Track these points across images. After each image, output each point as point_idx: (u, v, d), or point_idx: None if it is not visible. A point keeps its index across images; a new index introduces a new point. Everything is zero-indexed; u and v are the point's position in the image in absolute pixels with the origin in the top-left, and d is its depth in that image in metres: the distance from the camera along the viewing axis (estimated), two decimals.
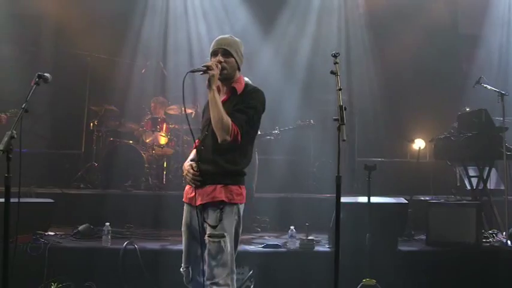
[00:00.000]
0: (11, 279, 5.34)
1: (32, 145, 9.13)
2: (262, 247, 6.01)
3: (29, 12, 9.59)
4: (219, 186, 3.53)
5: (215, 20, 9.19)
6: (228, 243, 3.51)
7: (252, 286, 5.52)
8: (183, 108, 8.16)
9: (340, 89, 3.76)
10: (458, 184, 7.62)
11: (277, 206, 7.52)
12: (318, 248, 6.00)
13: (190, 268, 3.68)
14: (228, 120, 3.46)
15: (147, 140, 8.07)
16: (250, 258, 5.77)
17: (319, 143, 8.78)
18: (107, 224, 5.86)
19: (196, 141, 3.76)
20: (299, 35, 9.17)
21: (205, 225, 3.53)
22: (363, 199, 5.97)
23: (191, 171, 3.57)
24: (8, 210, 3.41)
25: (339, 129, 3.64)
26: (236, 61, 3.69)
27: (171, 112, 8.43)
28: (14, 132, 3.38)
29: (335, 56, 3.86)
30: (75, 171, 8.27)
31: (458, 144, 6.82)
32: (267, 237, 6.73)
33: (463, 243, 6.03)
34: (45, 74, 3.85)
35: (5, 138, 3.32)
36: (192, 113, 8.59)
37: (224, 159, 3.57)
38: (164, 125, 8.15)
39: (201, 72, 3.51)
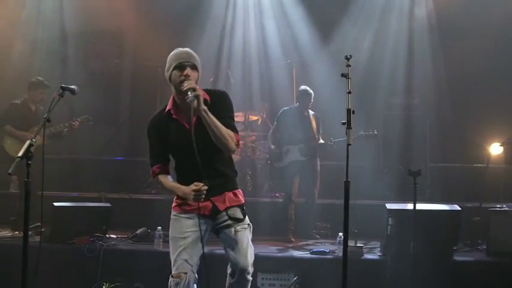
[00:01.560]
0: (67, 277, 5.80)
1: (113, 153, 9.70)
2: (309, 253, 5.97)
3: (112, 28, 10.17)
4: (235, 191, 3.78)
5: (276, 28, 9.27)
6: (251, 233, 3.77)
7: None
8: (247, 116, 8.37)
9: (349, 92, 3.69)
10: None
11: (338, 213, 7.39)
12: (366, 256, 5.88)
13: (189, 273, 3.66)
14: (230, 131, 3.54)
15: None
16: (295, 264, 5.77)
17: (387, 149, 8.56)
18: (159, 228, 6.09)
19: (156, 167, 3.75)
20: (360, 36, 8.99)
21: (230, 221, 3.68)
22: (418, 206, 5.77)
23: (201, 190, 3.49)
24: (28, 214, 3.63)
25: (346, 133, 3.60)
26: (199, 75, 3.62)
27: (236, 119, 8.55)
28: (34, 140, 3.62)
29: (347, 58, 3.80)
30: (147, 177, 8.60)
31: None
32: (321, 244, 6.67)
33: None
34: (71, 86, 4.07)
35: (25, 146, 3.56)
36: (258, 119, 8.70)
37: (228, 167, 3.79)
38: None
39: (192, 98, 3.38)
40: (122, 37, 10.35)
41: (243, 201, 3.79)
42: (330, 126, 7.35)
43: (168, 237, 6.21)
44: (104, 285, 5.62)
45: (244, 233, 3.71)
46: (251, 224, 3.79)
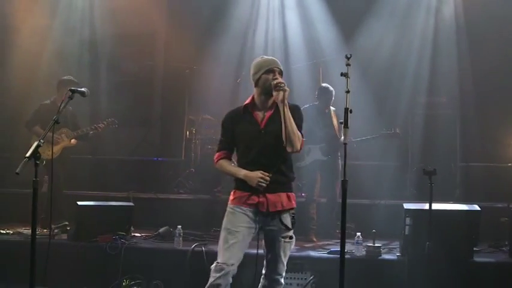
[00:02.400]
0: (90, 274, 5.96)
1: (144, 153, 9.91)
2: (326, 253, 5.97)
3: (144, 31, 10.39)
4: (289, 194, 4.05)
5: (299, 27, 9.30)
6: (293, 243, 4.08)
7: None
8: None
9: (348, 92, 3.70)
10: None
11: (362, 213, 7.36)
12: (384, 256, 5.84)
13: (233, 266, 3.86)
14: (298, 132, 3.94)
15: None
16: (312, 263, 5.76)
17: (416, 148, 8.43)
18: (179, 226, 6.22)
19: (222, 153, 4.09)
20: (385, 34, 8.89)
21: (281, 227, 3.95)
22: (434, 206, 5.71)
23: (266, 178, 3.86)
24: (35, 211, 3.77)
25: (343, 133, 3.62)
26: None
27: None
28: (42, 141, 3.73)
29: (348, 58, 3.84)
30: (176, 177, 8.78)
31: None
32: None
33: None
34: (81, 89, 4.22)
35: (32, 147, 3.69)
36: None
37: (287, 168, 4.05)
38: None
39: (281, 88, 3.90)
40: (153, 39, 10.53)
41: (295, 206, 4.05)
42: (350, 126, 7.30)
43: (189, 236, 6.45)
44: (124, 281, 5.76)
45: (289, 245, 4.03)
46: (294, 236, 4.04)
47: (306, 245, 6.57)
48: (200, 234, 6.73)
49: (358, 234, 5.91)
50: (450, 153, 8.33)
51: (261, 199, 3.91)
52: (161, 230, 6.67)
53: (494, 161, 8.27)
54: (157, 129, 10.22)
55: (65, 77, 7.35)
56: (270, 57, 4.17)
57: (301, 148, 3.97)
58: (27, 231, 6.71)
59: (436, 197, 7.48)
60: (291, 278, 5.73)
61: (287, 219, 3.97)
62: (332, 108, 7.27)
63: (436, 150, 8.27)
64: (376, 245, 5.87)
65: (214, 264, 3.87)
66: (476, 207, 5.63)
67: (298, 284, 5.67)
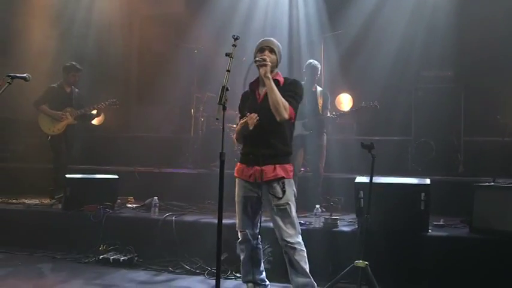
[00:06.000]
0: (75, 239, 6.53)
1: (161, 130, 10.43)
2: None
3: (170, 11, 10.87)
4: (277, 166, 4.33)
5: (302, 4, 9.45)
6: (292, 209, 4.33)
7: (271, 260, 5.78)
8: None
9: (228, 71, 3.91)
10: None
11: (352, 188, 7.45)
12: (341, 228, 5.96)
13: (246, 231, 4.47)
14: (285, 101, 4.22)
15: None
16: (269, 234, 5.92)
17: (421, 123, 8.33)
18: (155, 197, 6.68)
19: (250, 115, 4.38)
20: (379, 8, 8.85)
21: (270, 197, 4.32)
22: (388, 179, 5.79)
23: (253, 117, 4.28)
24: None
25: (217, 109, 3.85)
26: (277, 59, 4.42)
27: None
28: None
29: (235, 39, 4.05)
30: (185, 152, 9.23)
31: None
32: None
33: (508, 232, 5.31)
34: (21, 75, 4.63)
35: None
36: None
37: (279, 142, 4.39)
38: None
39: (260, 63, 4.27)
40: (178, 20, 10.96)
41: (286, 176, 4.33)
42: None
43: (165, 205, 6.84)
44: (101, 246, 6.30)
45: (284, 211, 4.29)
46: (290, 203, 4.32)
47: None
48: (184, 206, 7.16)
49: (317, 206, 6.09)
50: (454, 128, 8.18)
51: (251, 171, 4.33)
52: (147, 201, 7.13)
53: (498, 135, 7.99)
54: (177, 107, 10.67)
55: (69, 63, 7.97)
56: (266, 38, 4.48)
57: (290, 117, 4.26)
58: (29, 201, 7.46)
59: (440, 171, 7.52)
60: None
61: (276, 188, 4.27)
62: (319, 88, 7.44)
63: (439, 125, 8.16)
64: (333, 217, 6.03)
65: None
66: (427, 181, 5.59)
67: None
